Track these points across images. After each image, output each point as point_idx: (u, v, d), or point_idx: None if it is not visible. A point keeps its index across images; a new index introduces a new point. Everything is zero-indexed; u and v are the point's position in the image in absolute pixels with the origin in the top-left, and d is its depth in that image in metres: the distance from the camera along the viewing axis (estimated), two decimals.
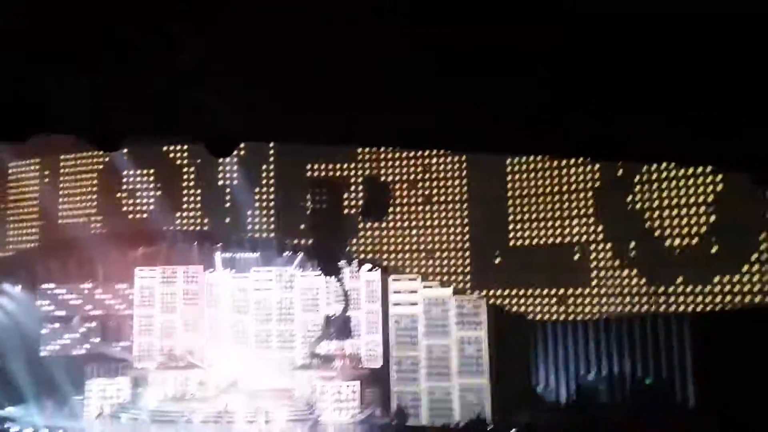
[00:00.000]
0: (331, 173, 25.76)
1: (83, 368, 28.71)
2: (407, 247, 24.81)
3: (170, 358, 29.90)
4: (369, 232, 25.39)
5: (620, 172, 20.83)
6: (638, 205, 20.62)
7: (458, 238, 24.02)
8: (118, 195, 26.72)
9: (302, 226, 26.02)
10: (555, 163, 22.10)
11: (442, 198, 24.29)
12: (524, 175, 23.03)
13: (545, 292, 22.46)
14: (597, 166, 21.24)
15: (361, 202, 25.16)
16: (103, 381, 28.35)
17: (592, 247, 21.51)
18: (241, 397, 27.34)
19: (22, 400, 27.68)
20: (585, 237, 21.70)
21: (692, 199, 19.78)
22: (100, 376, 28.56)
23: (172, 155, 26.12)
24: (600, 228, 21.45)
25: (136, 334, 30.98)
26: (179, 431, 23.60)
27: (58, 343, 29.84)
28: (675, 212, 19.97)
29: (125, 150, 25.01)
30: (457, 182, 24.05)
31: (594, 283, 21.46)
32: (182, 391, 29.01)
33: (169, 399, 28.36)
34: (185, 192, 26.40)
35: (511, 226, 23.17)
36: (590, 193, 21.53)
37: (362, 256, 26.14)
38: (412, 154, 24.55)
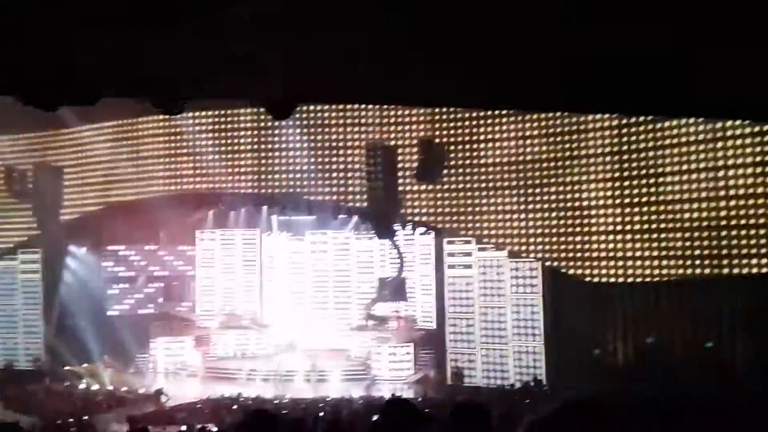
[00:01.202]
0: (385, 135, 25.73)
1: (148, 327, 29.73)
2: (461, 210, 24.74)
3: (231, 319, 30.70)
4: (423, 195, 25.38)
5: (683, 129, 20.27)
6: (693, 165, 20.10)
7: (513, 200, 23.80)
8: (180, 158, 27.27)
9: (357, 189, 26.15)
10: (609, 123, 21.63)
11: (497, 159, 24.06)
12: (578, 136, 22.58)
13: (602, 254, 22.17)
14: (659, 123, 20.71)
15: (415, 165, 25.12)
16: (166, 340, 29.33)
17: (653, 208, 21.09)
18: (299, 357, 27.98)
19: (90, 358, 28.85)
20: (645, 198, 21.26)
21: (749, 159, 19.19)
22: (164, 335, 29.56)
23: (232, 118, 26.46)
24: (657, 189, 20.98)
25: (198, 295, 31.89)
26: (240, 389, 24.26)
27: (124, 303, 30.92)
28: (734, 172, 19.41)
29: (187, 113, 25.42)
30: (512, 143, 23.76)
31: (654, 245, 21.08)
32: (242, 350, 29.84)
33: (230, 357, 29.22)
34: (244, 155, 26.77)
35: (566, 188, 22.84)
36: (648, 153, 21.03)
37: (416, 218, 26.19)
38: (466, 115, 24.35)
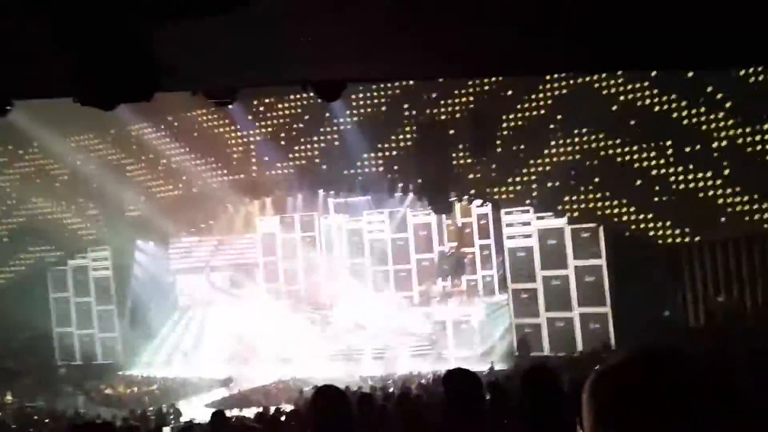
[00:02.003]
0: (435, 110, 25.59)
1: (216, 315, 30.46)
2: (518, 179, 24.48)
3: (296, 302, 31.21)
4: (477, 167, 25.18)
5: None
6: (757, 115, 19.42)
7: (569, 166, 23.41)
8: (236, 147, 27.69)
9: (411, 167, 26.12)
10: (678, 78, 20.97)
11: (551, 126, 23.68)
12: (635, 94, 22.01)
13: (666, 214, 21.68)
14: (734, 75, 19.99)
15: (467, 137, 24.93)
16: (235, 325, 30.00)
17: (719, 163, 20.49)
18: (365, 336, 28.29)
19: (162, 348, 29.78)
20: (707, 154, 20.67)
21: None
22: (232, 321, 30.22)
23: (282, 104, 26.69)
24: (723, 143, 20.37)
25: (263, 281, 32.50)
26: (308, 369, 24.72)
27: (192, 292, 31.73)
28: None
29: (239, 103, 25.73)
30: (565, 107, 23.33)
31: (720, 201, 20.51)
32: (309, 331, 30.32)
33: (297, 340, 29.72)
34: (298, 140, 27.01)
35: (623, 149, 22.36)
36: (713, 107, 20.38)
37: (472, 191, 26.03)
38: (516, 84, 24.00)
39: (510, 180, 24.59)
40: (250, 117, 26.87)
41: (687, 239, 21.46)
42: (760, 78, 19.33)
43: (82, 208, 30.06)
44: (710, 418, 1.07)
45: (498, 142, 24.49)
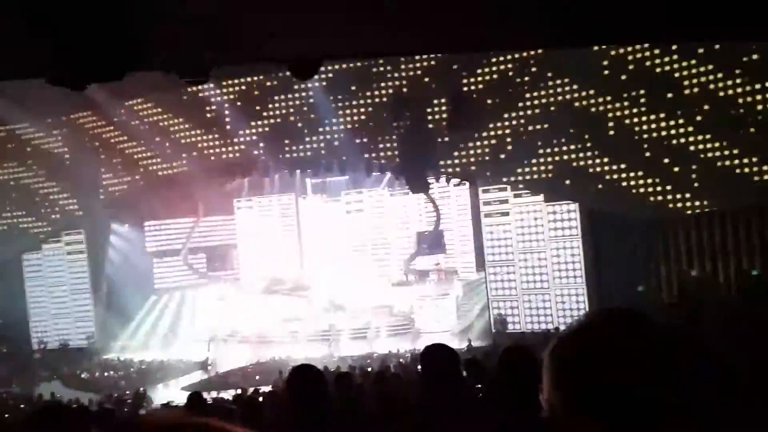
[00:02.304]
0: (412, 88, 25.48)
1: (194, 298, 30.34)
2: (494, 157, 24.52)
3: (274, 283, 31.17)
4: (455, 145, 25.17)
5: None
6: (737, 91, 19.59)
7: (546, 143, 23.48)
8: (211, 129, 27.42)
9: (388, 146, 26.06)
10: (651, 53, 21.07)
11: (528, 104, 23.70)
12: (609, 71, 22.05)
13: (639, 190, 21.87)
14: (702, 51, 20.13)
15: (445, 115, 24.90)
16: (212, 308, 29.92)
17: (690, 139, 20.69)
18: (343, 316, 28.36)
19: (138, 331, 29.63)
20: (681, 129, 20.85)
21: None
22: (209, 304, 30.13)
23: (257, 84, 26.46)
24: (697, 118, 20.55)
25: (240, 263, 32.41)
26: (287, 350, 24.75)
27: (169, 276, 31.55)
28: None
29: (214, 83, 25.48)
30: (540, 85, 23.35)
31: (693, 177, 20.73)
32: (287, 313, 30.32)
33: (275, 321, 29.72)
34: (273, 120, 26.79)
35: (599, 127, 22.44)
36: (691, 81, 20.51)
37: (450, 170, 26.03)
38: (493, 61, 23.97)
39: (488, 158, 24.61)
40: (226, 97, 26.61)
41: (659, 215, 21.67)
42: None
43: (55, 191, 29.68)
44: (669, 379, 1.06)
45: (476, 120, 24.45)
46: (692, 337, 1.12)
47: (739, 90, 19.65)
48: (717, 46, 19.36)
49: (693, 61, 20.42)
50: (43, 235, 30.13)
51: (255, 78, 26.39)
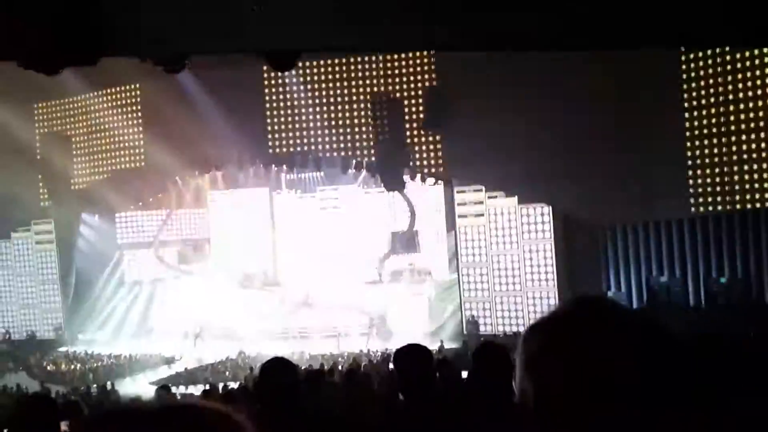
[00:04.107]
0: (390, 87, 25.46)
1: (165, 291, 30.03)
2: (470, 158, 24.55)
3: (246, 279, 30.97)
4: (431, 145, 25.20)
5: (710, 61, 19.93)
6: (720, 98, 19.84)
7: (521, 145, 23.56)
8: (186, 120, 27.10)
9: (364, 143, 26.01)
10: (603, 60, 21.20)
11: (504, 104, 23.74)
12: (587, 75, 22.17)
13: (613, 195, 22.04)
14: (685, 56, 20.34)
15: (422, 115, 24.91)
16: (185, 302, 29.62)
17: (663, 146, 20.89)
18: (315, 314, 28.26)
19: (106, 324, 29.28)
20: (654, 136, 21.04)
21: None
22: (182, 298, 29.82)
23: (235, 76, 26.22)
24: (669, 125, 20.76)
25: (212, 257, 32.15)
26: (257, 347, 24.59)
27: (139, 268, 31.20)
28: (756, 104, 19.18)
29: (191, 74, 25.20)
30: (518, 87, 23.43)
31: (665, 183, 20.96)
32: (259, 309, 30.16)
33: (246, 317, 29.54)
34: (250, 113, 26.57)
35: (574, 129, 22.56)
36: (663, 88, 20.72)
37: (425, 169, 26.04)
38: (470, 61, 23.98)
39: (463, 159, 24.64)
40: (201, 88, 26.34)
41: (633, 220, 21.88)
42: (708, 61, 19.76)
43: (25, 179, 29.19)
44: (635, 366, 1.07)
45: (452, 120, 24.47)
46: (659, 324, 1.13)
47: (720, 96, 19.88)
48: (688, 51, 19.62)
49: (674, 65, 20.63)
50: (11, 223, 29.62)
51: (232, 70, 26.15)
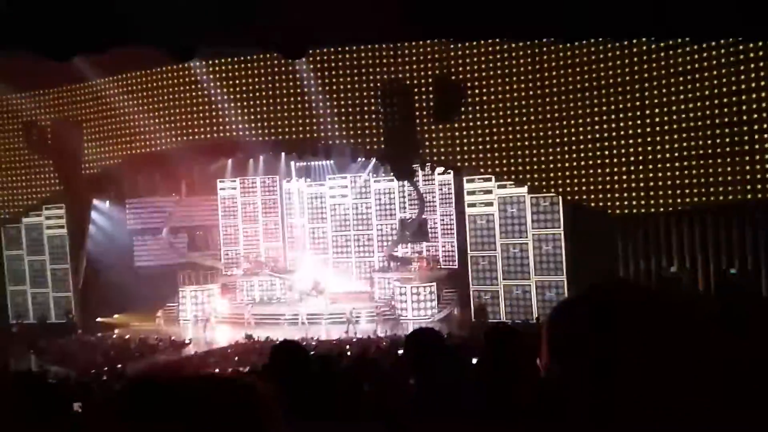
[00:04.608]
0: (400, 75, 25.39)
1: (175, 277, 30.20)
2: (480, 147, 24.53)
3: (256, 265, 31.10)
4: (441, 134, 25.17)
5: (715, 53, 19.79)
6: (725, 89, 19.70)
7: (531, 134, 23.53)
8: (197, 108, 27.17)
9: (374, 132, 25.99)
10: (626, 52, 21.15)
11: (514, 95, 23.72)
12: (596, 65, 22.12)
13: (622, 185, 22.00)
14: (675, 50, 20.26)
15: (432, 104, 24.86)
16: (194, 288, 29.81)
17: (675, 136, 20.81)
18: (324, 300, 28.36)
19: (120, 309, 29.46)
20: (666, 126, 20.97)
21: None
22: (191, 284, 30.02)
23: (247, 65, 26.25)
24: (680, 116, 20.67)
25: (222, 244, 32.28)
26: (267, 333, 24.70)
27: (150, 254, 31.39)
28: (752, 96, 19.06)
29: (202, 62, 25.24)
30: (528, 77, 23.38)
31: (676, 173, 20.88)
32: (269, 295, 30.30)
33: (257, 303, 29.69)
34: (261, 102, 26.58)
35: (585, 120, 22.51)
36: (674, 79, 20.61)
37: (435, 158, 26.03)
38: (481, 50, 23.94)
39: (473, 148, 24.62)
40: (212, 77, 26.37)
41: (642, 210, 21.83)
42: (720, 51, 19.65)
43: (37, 164, 29.38)
44: (657, 349, 1.10)
45: (462, 109, 24.45)
46: (690, 311, 1.18)
47: (725, 88, 19.76)
48: (695, 46, 19.52)
49: (679, 58, 20.53)
50: (23, 207, 29.84)
51: (243, 58, 26.19)
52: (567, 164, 23.00)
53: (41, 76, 23.97)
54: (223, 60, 26.23)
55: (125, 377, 16.57)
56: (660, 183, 21.21)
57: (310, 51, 24.30)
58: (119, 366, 20.09)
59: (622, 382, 1.10)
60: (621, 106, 21.71)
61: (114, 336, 27.55)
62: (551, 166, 23.33)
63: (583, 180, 22.71)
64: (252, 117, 26.49)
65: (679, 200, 21.02)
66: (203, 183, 31.64)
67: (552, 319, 1.22)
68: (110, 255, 29.76)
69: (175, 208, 31.82)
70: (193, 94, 27.02)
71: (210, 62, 25.40)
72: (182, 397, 0.97)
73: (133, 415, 0.97)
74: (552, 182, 23.52)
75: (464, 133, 24.66)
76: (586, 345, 1.14)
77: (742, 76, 19.28)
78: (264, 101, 26.53)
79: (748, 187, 19.43)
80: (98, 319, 29.27)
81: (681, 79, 20.51)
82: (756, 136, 19.18)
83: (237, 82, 26.37)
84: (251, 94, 26.45)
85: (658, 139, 21.10)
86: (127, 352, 24.73)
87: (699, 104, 20.26)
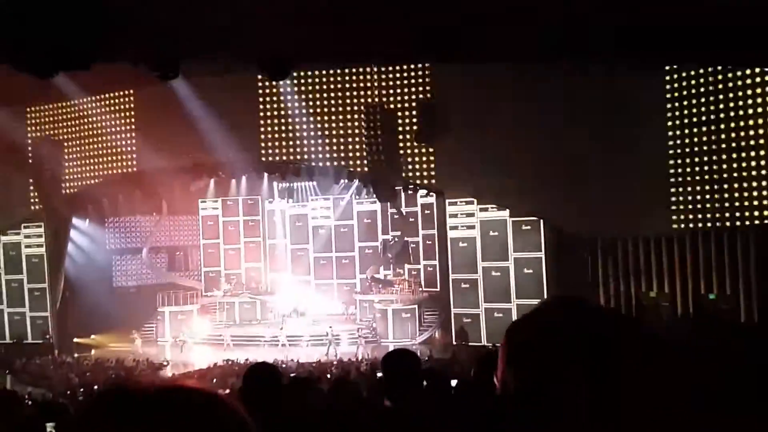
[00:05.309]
0: (384, 98, 25.53)
1: (154, 297, 29.93)
2: (462, 171, 24.63)
3: (236, 287, 30.90)
4: (424, 157, 25.27)
5: (700, 79, 20.07)
6: (708, 116, 19.98)
7: (513, 159, 23.66)
8: (179, 127, 27.08)
9: (357, 154, 26.05)
10: (617, 75, 21.38)
11: (496, 119, 23.86)
12: (578, 90, 22.31)
13: (604, 209, 22.13)
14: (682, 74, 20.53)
15: (415, 127, 24.97)
16: (173, 309, 29.55)
17: (657, 161, 21.02)
18: (304, 322, 28.20)
19: (98, 329, 29.10)
20: (647, 152, 21.18)
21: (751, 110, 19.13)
22: (170, 304, 29.78)
23: (230, 85, 26.25)
24: (663, 141, 20.91)
25: (202, 264, 32.07)
26: (247, 354, 24.49)
27: (129, 273, 31.11)
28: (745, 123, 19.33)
29: (185, 81, 25.20)
30: (511, 102, 23.55)
31: (656, 198, 21.06)
32: (248, 317, 30.08)
33: (236, 324, 29.46)
34: (243, 122, 26.58)
35: (565, 143, 22.66)
36: (657, 104, 20.88)
37: (417, 181, 26.10)
38: (465, 75, 24.11)
39: (455, 171, 24.71)
40: (195, 96, 26.33)
41: (623, 234, 21.96)
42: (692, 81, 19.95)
43: (17, 182, 29.10)
44: (612, 360, 1.14)
45: (446, 133, 24.56)
46: (638, 325, 1.21)
47: (709, 115, 20.03)
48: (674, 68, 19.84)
49: (665, 85, 20.81)
50: (1, 226, 29.50)
51: (226, 78, 26.20)
52: (548, 188, 23.12)
53: (22, 94, 23.78)
54: (206, 80, 26.21)
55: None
56: (641, 208, 21.37)
57: (294, 72, 24.39)
58: (95, 387, 19.80)
59: (570, 387, 1.13)
60: (602, 131, 21.89)
61: (91, 357, 27.18)
62: (532, 190, 23.44)
63: (564, 204, 22.83)
64: (235, 137, 26.44)
65: (659, 224, 21.18)
66: (184, 203, 31.48)
67: (507, 333, 1.27)
68: (89, 274, 29.46)
69: (155, 227, 31.61)
70: (176, 113, 26.93)
71: (193, 82, 25.35)
72: (153, 405, 0.96)
73: (102, 424, 0.95)
74: (533, 206, 23.63)
75: (446, 156, 24.76)
76: (535, 353, 1.18)
77: (729, 104, 19.55)
78: (247, 122, 26.53)
79: (727, 214, 19.63)
80: (75, 340, 28.88)
81: (664, 105, 20.76)
82: (734, 165, 19.41)
83: (220, 102, 26.33)
84: (234, 115, 26.42)
85: (639, 164, 21.29)
86: (104, 373, 24.41)
87: (679, 132, 20.52)
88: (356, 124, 25.86)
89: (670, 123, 20.70)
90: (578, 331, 1.17)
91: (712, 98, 19.91)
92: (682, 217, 20.64)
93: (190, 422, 0.94)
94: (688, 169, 20.43)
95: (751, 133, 19.13)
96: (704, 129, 20.01)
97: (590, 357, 1.13)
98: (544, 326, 1.21)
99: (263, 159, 27.08)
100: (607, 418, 1.10)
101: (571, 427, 1.11)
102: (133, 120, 27.45)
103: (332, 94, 25.94)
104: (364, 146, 25.70)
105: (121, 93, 27.26)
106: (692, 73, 20.24)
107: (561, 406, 1.12)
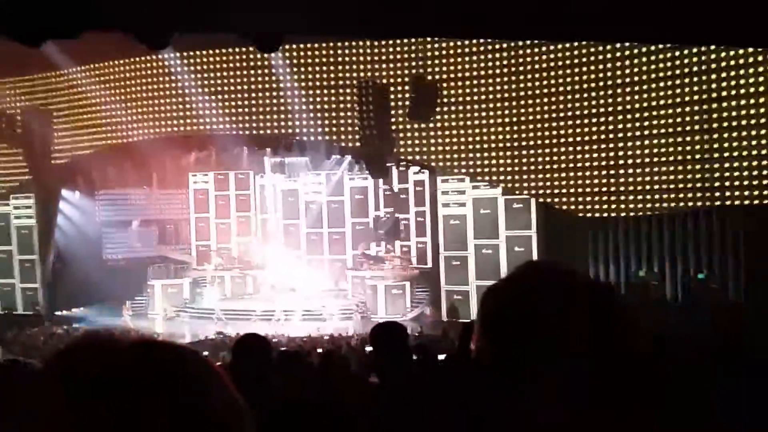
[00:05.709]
0: (376, 73, 25.39)
1: (145, 270, 29.89)
2: (455, 148, 24.61)
3: (227, 261, 30.88)
4: (416, 133, 25.20)
5: (695, 58, 20.00)
6: (695, 96, 19.95)
7: (506, 136, 23.67)
8: (171, 100, 26.91)
9: (349, 129, 25.95)
10: (601, 57, 21.37)
11: (489, 96, 23.83)
12: (573, 70, 22.32)
13: (594, 189, 22.21)
14: (650, 57, 20.51)
15: (407, 103, 24.87)
16: (164, 282, 29.54)
17: (646, 142, 21.05)
18: (296, 297, 28.24)
19: (88, 301, 29.09)
20: (638, 131, 21.19)
21: (734, 92, 19.14)
22: (161, 277, 29.75)
23: (221, 58, 26.05)
24: (652, 122, 20.90)
25: (193, 238, 32.00)
26: (238, 329, 24.53)
27: (119, 246, 31.02)
28: (731, 103, 19.31)
29: (176, 53, 24.99)
30: (504, 78, 23.51)
31: (647, 178, 21.11)
32: (239, 291, 30.11)
33: (227, 299, 29.49)
34: (235, 96, 26.42)
35: (559, 123, 22.68)
36: (637, 87, 20.87)
37: (410, 157, 26.06)
38: (458, 51, 24.01)
39: (448, 148, 24.69)
40: (186, 68, 26.12)
41: (614, 214, 22.04)
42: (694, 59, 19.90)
43: (5, 153, 28.89)
44: (583, 324, 1.13)
45: (437, 109, 24.50)
46: (612, 292, 1.20)
47: (696, 95, 20.01)
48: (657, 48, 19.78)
49: (652, 64, 20.75)
50: None
51: (218, 50, 25.99)
52: (540, 166, 23.16)
53: (10, 63, 23.53)
54: (197, 53, 25.99)
55: None
56: (631, 187, 21.44)
57: (286, 45, 24.20)
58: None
59: (534, 352, 1.12)
60: (594, 110, 21.91)
61: (81, 329, 27.16)
62: (525, 168, 23.47)
63: (556, 182, 22.89)
64: (226, 111, 26.31)
65: (650, 204, 21.26)
66: (175, 176, 31.30)
67: (481, 300, 1.26)
68: (79, 246, 29.36)
69: (146, 200, 31.48)
70: (167, 86, 26.75)
71: (184, 54, 25.15)
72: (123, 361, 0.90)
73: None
74: (525, 184, 23.66)
75: (439, 133, 24.72)
76: (507, 319, 1.17)
77: (713, 84, 19.52)
78: (239, 95, 26.38)
79: (717, 194, 19.70)
80: (65, 312, 28.88)
81: (654, 84, 20.73)
82: (725, 144, 19.44)
83: (212, 75, 26.16)
84: (226, 88, 26.27)
85: (630, 143, 21.33)
86: None
87: (671, 110, 20.51)
88: (348, 98, 25.72)
89: (662, 101, 20.66)
90: (551, 294, 1.16)
91: (696, 78, 19.87)
92: (672, 196, 20.70)
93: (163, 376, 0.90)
94: (679, 149, 20.45)
95: (742, 113, 19.13)
96: (696, 108, 19.99)
97: (563, 321, 1.12)
98: (518, 292, 1.20)
99: (255, 133, 26.93)
100: (580, 384, 1.09)
101: (546, 395, 1.10)
102: (124, 91, 27.21)
103: (324, 68, 25.76)
104: (356, 121, 25.61)
105: (112, 63, 26.99)
106: (668, 55, 20.21)
107: (536, 372, 1.11)
